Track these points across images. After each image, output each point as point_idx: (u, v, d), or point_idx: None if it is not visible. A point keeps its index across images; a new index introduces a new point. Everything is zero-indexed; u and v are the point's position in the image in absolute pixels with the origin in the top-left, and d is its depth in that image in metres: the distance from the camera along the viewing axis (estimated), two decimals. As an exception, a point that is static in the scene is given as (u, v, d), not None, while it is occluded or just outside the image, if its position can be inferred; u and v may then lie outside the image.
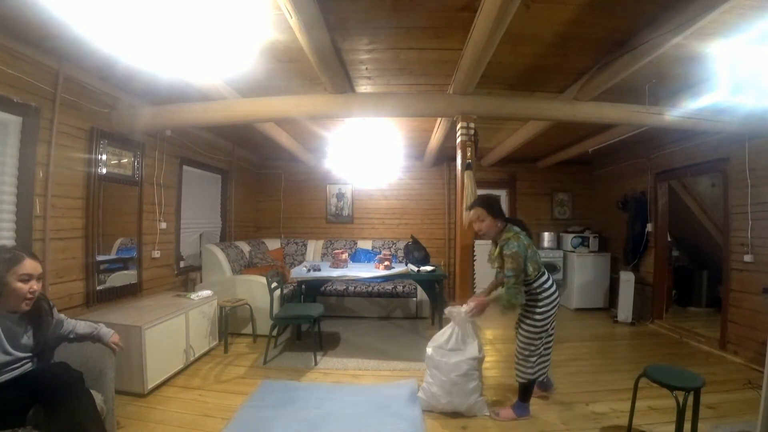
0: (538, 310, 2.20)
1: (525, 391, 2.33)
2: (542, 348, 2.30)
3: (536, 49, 2.39)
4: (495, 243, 2.34)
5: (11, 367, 1.58)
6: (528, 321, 2.23)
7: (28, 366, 1.65)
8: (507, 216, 2.39)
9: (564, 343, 3.82)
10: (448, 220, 5.86)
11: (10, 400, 1.49)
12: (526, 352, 2.25)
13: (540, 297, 2.21)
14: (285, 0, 1.69)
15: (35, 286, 1.62)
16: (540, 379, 2.42)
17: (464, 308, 2.35)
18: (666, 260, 4.67)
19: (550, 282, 2.27)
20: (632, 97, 3.00)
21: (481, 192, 2.80)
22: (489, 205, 2.29)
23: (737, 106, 2.93)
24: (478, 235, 2.29)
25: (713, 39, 2.15)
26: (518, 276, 2.12)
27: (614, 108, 3.03)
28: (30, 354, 1.66)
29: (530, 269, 2.17)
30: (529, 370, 2.26)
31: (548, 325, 2.25)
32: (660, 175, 4.54)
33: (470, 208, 2.32)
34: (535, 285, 2.22)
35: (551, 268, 5.35)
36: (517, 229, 2.24)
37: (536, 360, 2.27)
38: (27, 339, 1.65)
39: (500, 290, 2.22)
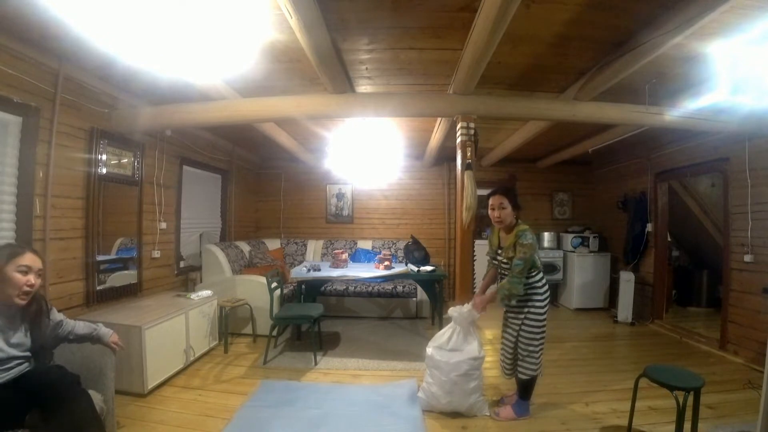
0: (539, 303, 2.23)
1: (526, 389, 2.33)
2: (543, 341, 2.30)
3: (536, 49, 2.38)
4: (497, 233, 2.39)
5: (6, 366, 1.56)
6: (532, 316, 2.23)
7: (25, 366, 1.64)
8: None
9: (564, 343, 3.83)
10: (448, 220, 5.86)
11: (8, 402, 1.48)
12: (531, 348, 2.25)
13: (541, 291, 2.25)
14: (285, 0, 1.69)
15: (33, 279, 1.61)
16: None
17: (466, 307, 2.35)
18: (666, 260, 4.67)
19: (545, 278, 2.33)
20: (632, 97, 2.99)
21: (481, 192, 2.80)
22: (513, 194, 2.33)
23: (737, 106, 2.93)
24: (494, 221, 2.32)
25: (713, 39, 2.15)
26: (525, 266, 2.16)
27: (614, 108, 3.03)
28: (27, 354, 1.65)
29: (538, 262, 2.27)
30: (533, 366, 2.26)
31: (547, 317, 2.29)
32: (660, 175, 4.54)
33: (493, 193, 2.33)
34: (538, 278, 2.27)
35: (551, 268, 5.35)
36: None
37: (539, 355, 2.26)
38: (21, 337, 1.64)
39: (503, 282, 2.25)
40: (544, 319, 2.25)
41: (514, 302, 2.26)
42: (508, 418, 2.31)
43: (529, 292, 2.24)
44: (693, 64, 2.48)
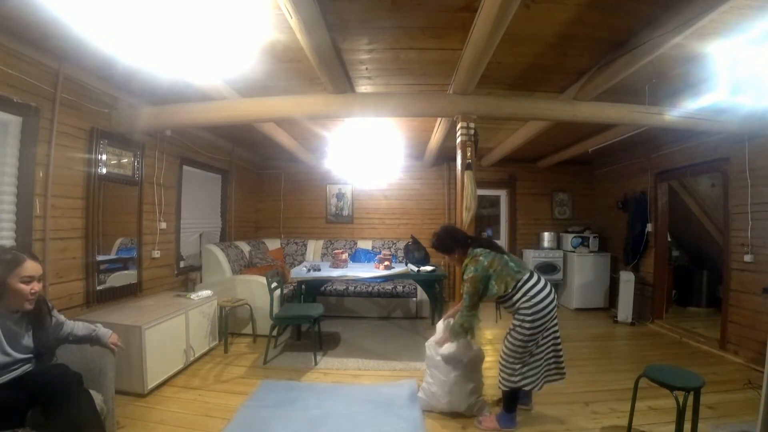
0: (528, 318, 2.06)
1: (508, 401, 2.22)
2: (529, 356, 2.13)
3: (536, 49, 2.38)
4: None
5: (11, 369, 1.58)
6: (518, 329, 2.09)
7: (28, 367, 1.65)
8: (472, 236, 2.56)
9: (564, 343, 3.78)
10: (448, 220, 5.85)
11: (9, 401, 1.49)
12: (510, 359, 2.13)
13: (526, 305, 2.07)
14: (285, 0, 1.69)
15: (36, 287, 1.63)
16: (534, 389, 2.19)
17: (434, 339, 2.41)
18: (666, 260, 4.66)
19: (539, 287, 2.11)
20: (632, 97, 2.99)
21: (480, 192, 2.81)
22: (443, 243, 2.40)
23: (737, 106, 2.93)
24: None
25: (713, 39, 2.15)
26: (472, 299, 2.14)
27: (614, 108, 3.03)
28: (30, 355, 1.66)
29: (495, 288, 2.11)
30: (513, 378, 2.12)
31: (539, 334, 2.10)
32: (660, 175, 4.54)
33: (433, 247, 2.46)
34: (518, 296, 2.10)
35: (551, 268, 5.35)
36: (478, 250, 2.21)
37: (521, 368, 2.12)
38: (27, 340, 1.66)
39: (456, 318, 2.25)
40: (530, 336, 2.08)
41: (470, 337, 2.27)
42: (490, 428, 2.22)
43: (515, 310, 2.13)
44: (693, 64, 2.48)
